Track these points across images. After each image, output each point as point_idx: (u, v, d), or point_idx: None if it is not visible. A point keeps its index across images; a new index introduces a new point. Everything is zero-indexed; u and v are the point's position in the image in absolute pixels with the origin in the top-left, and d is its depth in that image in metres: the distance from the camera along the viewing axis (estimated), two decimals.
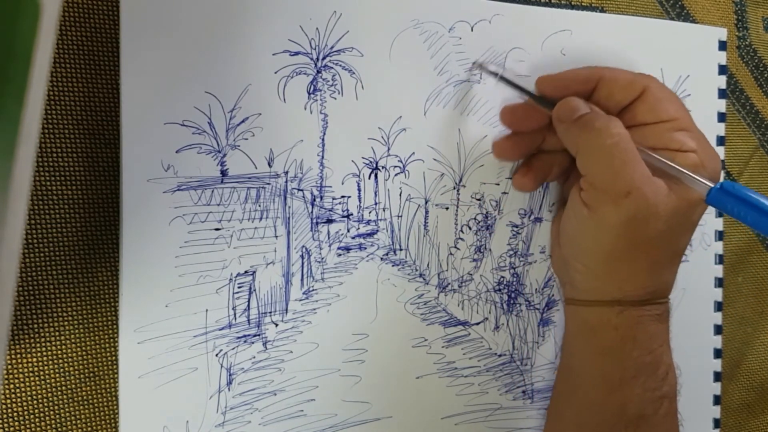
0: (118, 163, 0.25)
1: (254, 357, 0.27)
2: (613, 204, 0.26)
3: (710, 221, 0.37)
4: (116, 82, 0.26)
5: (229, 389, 0.27)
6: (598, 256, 0.27)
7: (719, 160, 0.29)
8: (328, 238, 0.29)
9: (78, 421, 0.26)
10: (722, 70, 0.37)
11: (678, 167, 0.27)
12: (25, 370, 0.25)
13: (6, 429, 0.25)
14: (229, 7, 0.26)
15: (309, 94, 0.28)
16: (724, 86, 0.37)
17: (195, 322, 0.26)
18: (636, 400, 0.27)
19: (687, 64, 0.36)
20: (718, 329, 0.37)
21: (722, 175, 0.31)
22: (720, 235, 0.37)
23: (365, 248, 0.29)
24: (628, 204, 0.25)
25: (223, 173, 0.27)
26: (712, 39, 0.36)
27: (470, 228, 0.32)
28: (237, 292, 0.27)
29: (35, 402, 0.25)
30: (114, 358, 0.26)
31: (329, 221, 0.29)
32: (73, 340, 0.26)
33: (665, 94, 0.29)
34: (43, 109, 0.20)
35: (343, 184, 0.29)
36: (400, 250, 0.30)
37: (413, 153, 0.30)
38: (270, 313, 0.28)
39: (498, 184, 0.32)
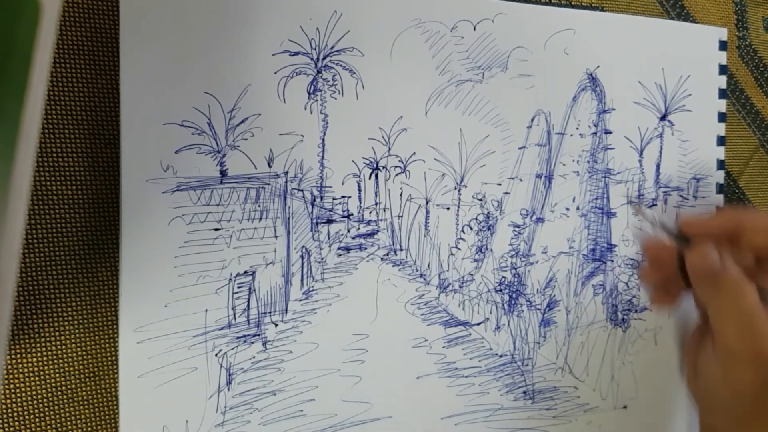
0: (118, 163, 0.25)
1: (254, 357, 0.27)
2: (743, 369, 0.26)
3: None
4: (116, 82, 0.26)
5: (228, 389, 0.27)
6: (735, 413, 0.28)
7: None
8: (328, 238, 0.29)
9: (78, 421, 0.26)
10: (723, 70, 0.37)
11: None
12: (25, 370, 0.25)
13: (6, 429, 0.25)
14: (229, 7, 0.26)
15: (309, 94, 0.28)
16: (724, 86, 0.37)
17: (194, 322, 0.26)
18: None
19: (688, 64, 0.36)
20: None
21: None
22: None
23: (365, 248, 0.29)
24: (757, 370, 0.26)
25: (223, 173, 0.27)
26: (712, 39, 0.36)
27: (471, 228, 0.31)
28: (237, 292, 0.27)
29: (35, 402, 0.25)
30: (114, 357, 0.26)
31: (329, 221, 0.29)
32: (73, 340, 0.26)
33: None
34: (43, 109, 0.20)
35: (343, 184, 0.29)
36: (401, 250, 0.30)
37: (414, 153, 0.30)
38: (270, 313, 0.28)
39: (499, 184, 0.32)
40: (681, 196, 0.36)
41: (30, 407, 0.25)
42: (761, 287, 0.27)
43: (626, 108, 0.34)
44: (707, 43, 0.36)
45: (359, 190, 0.29)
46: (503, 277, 0.32)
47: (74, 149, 0.26)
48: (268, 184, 0.27)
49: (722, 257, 0.28)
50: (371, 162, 0.29)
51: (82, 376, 0.26)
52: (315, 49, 0.28)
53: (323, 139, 0.28)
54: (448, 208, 0.31)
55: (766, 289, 0.27)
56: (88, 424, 0.26)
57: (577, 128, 0.33)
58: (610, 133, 0.34)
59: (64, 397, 0.26)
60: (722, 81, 0.37)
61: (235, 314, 0.27)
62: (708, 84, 0.36)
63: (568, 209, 0.34)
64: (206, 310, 0.27)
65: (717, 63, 0.36)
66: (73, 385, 0.26)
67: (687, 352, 0.31)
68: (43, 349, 0.25)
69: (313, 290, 0.28)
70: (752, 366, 0.26)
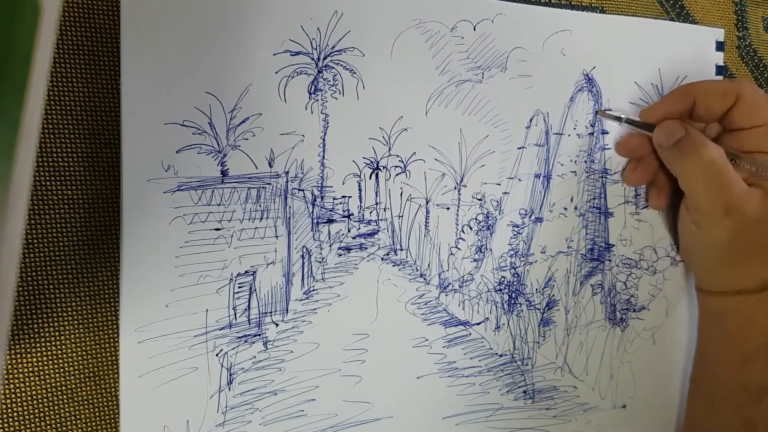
0: (118, 163, 0.25)
1: (255, 357, 0.27)
2: (716, 224, 0.28)
3: None
4: (116, 82, 0.26)
5: (229, 389, 0.27)
6: (713, 263, 0.30)
7: None
8: (329, 238, 0.29)
9: (78, 421, 0.26)
10: (719, 70, 0.37)
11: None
12: (25, 370, 0.25)
13: (6, 429, 0.25)
14: (230, 7, 0.26)
15: (310, 94, 0.28)
16: None
17: (195, 321, 0.26)
18: (758, 374, 0.30)
19: (684, 64, 0.36)
20: None
21: None
22: None
23: (366, 248, 0.29)
24: (729, 222, 0.28)
25: (224, 173, 0.27)
26: (709, 40, 0.36)
27: (471, 228, 0.32)
28: (237, 292, 0.27)
29: (35, 402, 0.25)
30: (114, 357, 0.26)
31: (330, 221, 0.29)
32: (73, 340, 0.26)
33: (759, 99, 0.30)
34: (43, 109, 0.20)
35: (343, 184, 0.29)
36: (401, 250, 0.30)
37: (414, 153, 0.30)
38: (270, 313, 0.28)
39: (499, 184, 0.32)
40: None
41: (30, 407, 0.25)
42: (730, 151, 0.29)
43: (622, 108, 0.34)
44: (704, 44, 0.36)
45: (360, 190, 0.29)
46: (503, 276, 0.32)
47: (74, 149, 0.26)
48: (269, 183, 0.27)
49: (685, 128, 0.30)
50: (372, 162, 0.29)
51: (82, 376, 0.26)
52: (316, 48, 0.28)
53: (324, 139, 0.28)
54: (448, 208, 0.31)
55: (737, 151, 0.29)
56: (88, 424, 0.26)
57: (574, 128, 0.33)
58: (607, 133, 0.34)
59: (64, 397, 0.26)
60: None
61: (235, 314, 0.27)
62: None
63: (566, 209, 0.34)
64: (207, 310, 0.27)
65: (714, 64, 0.37)
66: (73, 385, 0.26)
67: (679, 217, 0.33)
68: (43, 349, 0.25)
69: (313, 290, 0.28)
70: (721, 217, 0.28)
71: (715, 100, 0.30)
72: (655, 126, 0.31)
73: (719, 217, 0.28)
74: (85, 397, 0.26)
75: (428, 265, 0.31)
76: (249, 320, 0.27)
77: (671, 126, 0.30)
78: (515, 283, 0.33)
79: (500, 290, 0.32)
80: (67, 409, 0.26)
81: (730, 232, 0.28)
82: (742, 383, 0.30)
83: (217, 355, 0.27)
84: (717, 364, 0.31)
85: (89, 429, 0.26)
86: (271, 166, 0.27)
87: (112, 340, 0.26)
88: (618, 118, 0.33)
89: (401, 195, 0.30)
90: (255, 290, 0.27)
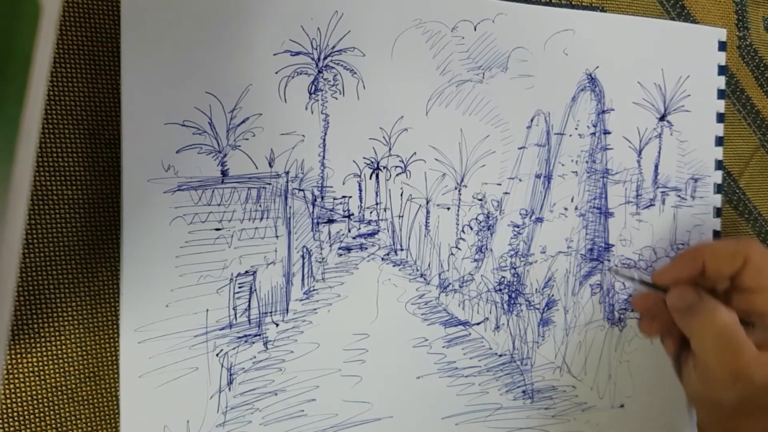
0: (118, 163, 0.25)
1: (255, 357, 0.27)
2: (724, 389, 0.28)
3: (708, 221, 0.37)
4: (116, 82, 0.25)
5: (229, 389, 0.27)
6: (715, 421, 0.30)
7: None
8: (329, 238, 0.29)
9: (78, 421, 0.26)
10: (722, 70, 0.37)
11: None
12: (25, 370, 0.25)
13: (6, 429, 0.25)
14: (230, 7, 0.26)
15: (310, 94, 0.28)
16: (723, 87, 0.37)
17: (195, 321, 0.26)
18: None
19: (687, 64, 0.36)
20: None
21: None
22: (718, 234, 0.37)
23: (366, 248, 0.29)
24: (738, 389, 0.28)
25: (224, 173, 0.27)
26: (711, 39, 0.36)
27: (471, 228, 0.32)
28: (237, 292, 0.27)
29: (35, 402, 0.25)
30: (114, 357, 0.26)
31: (330, 221, 0.29)
32: (73, 340, 0.26)
33: (767, 262, 0.30)
34: (43, 109, 0.20)
35: (344, 184, 0.29)
36: (401, 250, 0.30)
37: (415, 153, 0.30)
38: (271, 313, 0.28)
39: (499, 184, 0.32)
40: (679, 196, 0.36)
41: (30, 407, 0.25)
42: (741, 311, 0.29)
43: (625, 108, 0.34)
44: (706, 44, 0.36)
45: (360, 190, 0.29)
46: (503, 276, 0.32)
47: (74, 149, 0.26)
48: (269, 183, 0.27)
49: (698, 293, 0.30)
50: (372, 162, 0.29)
51: (82, 376, 0.26)
52: (316, 49, 0.28)
53: (324, 139, 0.28)
54: (448, 208, 0.31)
55: (748, 312, 0.29)
56: (88, 424, 0.26)
57: (576, 128, 0.33)
58: (609, 133, 0.34)
59: (64, 397, 0.26)
60: (721, 81, 0.37)
61: (236, 314, 0.27)
62: (707, 84, 0.37)
63: (566, 209, 0.34)
64: (207, 310, 0.27)
65: (716, 63, 0.37)
66: (73, 385, 0.26)
67: (677, 367, 0.33)
68: (43, 349, 0.25)
69: (313, 290, 0.28)
70: (729, 385, 0.28)
71: (723, 263, 0.30)
72: (668, 287, 0.31)
73: (727, 382, 0.28)
74: (85, 397, 0.26)
75: (428, 265, 0.31)
76: (249, 320, 0.27)
77: (684, 291, 0.30)
78: (515, 283, 0.33)
79: (500, 290, 0.32)
80: (67, 409, 0.26)
81: (737, 398, 0.28)
82: None
83: (217, 355, 0.27)
84: None
85: (89, 429, 0.26)
86: (271, 166, 0.27)
87: (112, 340, 0.26)
88: (630, 278, 0.34)
89: (401, 195, 0.30)
90: (255, 290, 0.27)
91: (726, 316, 0.28)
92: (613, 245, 0.35)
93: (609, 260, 0.35)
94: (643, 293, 0.33)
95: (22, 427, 0.25)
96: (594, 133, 0.34)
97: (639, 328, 0.33)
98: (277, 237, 0.28)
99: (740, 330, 0.28)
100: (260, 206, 0.27)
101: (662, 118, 0.36)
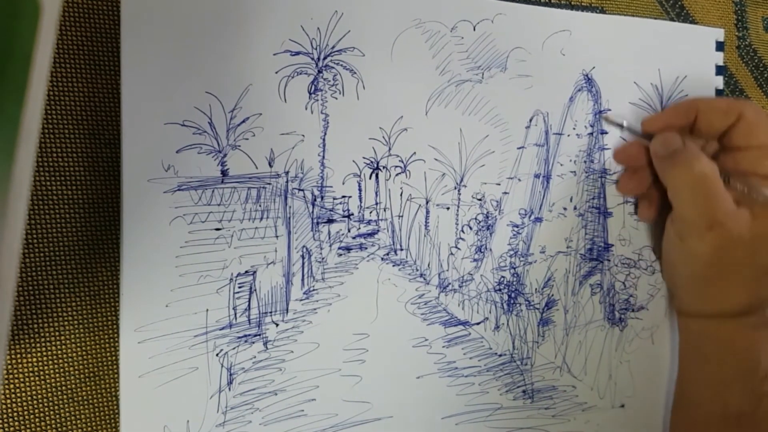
0: (118, 163, 0.25)
1: (255, 357, 0.27)
2: (698, 237, 0.28)
3: None
4: (116, 82, 0.25)
5: (229, 389, 0.27)
6: (693, 280, 0.30)
7: None
8: (329, 238, 0.29)
9: (78, 421, 0.26)
10: (719, 70, 0.37)
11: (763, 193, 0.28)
12: (25, 370, 0.25)
13: (6, 429, 0.25)
14: (230, 7, 0.26)
15: (310, 94, 0.28)
16: (721, 87, 0.37)
17: (195, 321, 0.26)
18: (736, 400, 0.29)
19: (684, 64, 0.36)
20: None
21: None
22: None
23: (366, 248, 0.29)
24: (711, 237, 0.28)
25: (224, 173, 0.27)
26: (709, 40, 0.36)
27: (471, 228, 0.32)
28: (237, 292, 0.27)
29: (35, 402, 0.25)
30: (114, 357, 0.26)
31: (330, 221, 0.29)
32: (73, 340, 0.26)
33: (761, 121, 0.30)
34: (43, 109, 0.20)
35: (343, 184, 0.29)
36: (401, 250, 0.30)
37: (414, 153, 0.30)
38: (270, 312, 0.28)
39: (499, 184, 0.32)
40: None
41: (30, 407, 0.25)
42: (724, 170, 0.29)
43: (622, 108, 0.35)
44: (704, 44, 0.36)
45: (360, 190, 0.29)
46: (502, 276, 0.32)
47: (74, 149, 0.26)
48: (269, 183, 0.27)
49: (683, 140, 0.29)
50: (372, 162, 0.29)
51: (82, 376, 0.26)
52: (316, 48, 0.28)
53: (324, 139, 0.28)
54: (447, 208, 0.31)
55: (730, 172, 0.29)
56: (88, 424, 0.26)
57: (573, 128, 0.34)
58: (606, 133, 0.34)
59: (64, 397, 0.26)
60: (719, 81, 0.37)
61: (236, 314, 0.27)
62: (705, 85, 0.37)
63: (565, 209, 0.34)
64: (207, 310, 0.27)
65: (714, 63, 0.37)
66: (73, 385, 0.26)
67: (663, 244, 0.33)
68: (43, 349, 0.25)
69: (313, 290, 0.28)
70: (705, 231, 0.28)
71: (717, 116, 0.30)
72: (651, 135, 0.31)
73: (702, 229, 0.28)
74: (85, 397, 0.26)
75: (428, 265, 0.31)
76: (249, 320, 0.27)
77: (669, 136, 0.30)
78: (515, 283, 0.33)
79: (500, 290, 0.32)
80: (67, 409, 0.26)
81: (711, 247, 0.28)
82: (721, 408, 0.30)
83: (217, 355, 0.27)
84: (696, 388, 0.31)
85: (89, 429, 0.26)
86: (271, 166, 0.27)
87: (112, 340, 0.26)
88: (619, 125, 0.32)
89: (401, 195, 0.30)
90: (255, 290, 0.27)
91: (706, 166, 0.28)
92: (613, 245, 0.35)
93: (609, 260, 0.35)
94: (625, 145, 0.32)
95: (22, 427, 0.25)
96: (591, 133, 0.34)
97: (616, 186, 0.32)
98: (277, 237, 0.28)
99: (719, 181, 0.28)
100: (260, 206, 0.27)
101: None
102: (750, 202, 0.28)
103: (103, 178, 0.26)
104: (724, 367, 0.30)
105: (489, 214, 0.32)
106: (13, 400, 0.25)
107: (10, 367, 0.25)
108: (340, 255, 0.29)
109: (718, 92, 0.37)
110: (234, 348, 0.27)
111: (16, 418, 0.25)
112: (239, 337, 0.27)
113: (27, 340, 0.25)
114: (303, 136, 0.28)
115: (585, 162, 0.34)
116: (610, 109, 0.34)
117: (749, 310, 0.29)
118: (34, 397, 0.25)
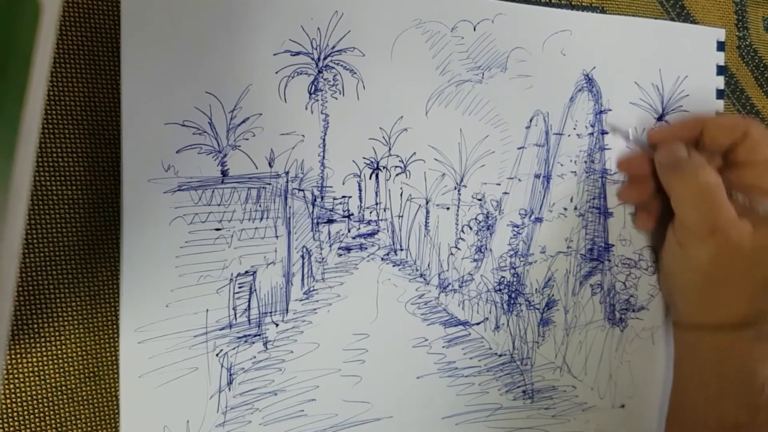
0: (118, 163, 0.25)
1: (255, 357, 0.27)
2: (699, 242, 0.28)
3: None
4: (116, 82, 0.25)
5: (229, 389, 0.27)
6: (691, 289, 0.30)
7: None
8: (329, 238, 0.29)
9: (78, 421, 0.26)
10: (720, 70, 0.37)
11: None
12: (25, 370, 0.25)
13: (6, 429, 0.25)
14: (230, 7, 0.26)
15: (310, 94, 0.28)
16: (722, 87, 0.37)
17: (195, 321, 0.26)
18: (732, 412, 0.29)
19: (685, 64, 0.36)
20: None
21: None
22: None
23: (366, 248, 0.29)
24: (712, 243, 0.28)
25: (224, 173, 0.27)
26: (710, 40, 0.36)
27: (471, 228, 0.32)
28: (237, 292, 0.27)
29: (35, 402, 0.25)
30: (114, 357, 0.26)
31: (330, 221, 0.29)
32: (73, 340, 0.26)
33: (766, 138, 0.30)
34: (43, 109, 0.20)
35: (344, 184, 0.29)
36: (401, 250, 0.30)
37: (414, 153, 0.30)
38: (270, 313, 0.28)
39: (499, 184, 0.32)
40: None
41: (30, 407, 0.25)
42: (727, 184, 0.29)
43: (623, 109, 0.35)
44: (705, 44, 0.36)
45: (360, 190, 0.29)
46: (502, 276, 0.32)
47: (74, 149, 0.26)
48: (269, 184, 0.27)
49: (688, 152, 0.30)
50: (372, 162, 0.29)
51: (82, 376, 0.26)
52: (316, 49, 0.28)
53: (324, 139, 0.28)
54: (447, 208, 0.31)
55: (735, 187, 0.29)
56: (88, 424, 0.26)
57: (574, 128, 0.34)
58: (607, 133, 0.34)
59: (64, 397, 0.26)
60: (720, 82, 0.37)
61: (236, 314, 0.27)
62: (705, 85, 0.37)
63: (566, 209, 0.34)
64: (207, 310, 0.27)
65: (715, 63, 0.37)
66: (73, 385, 0.26)
67: (661, 255, 0.33)
68: (43, 349, 0.25)
69: (313, 290, 0.28)
70: (707, 236, 0.28)
71: (722, 132, 0.30)
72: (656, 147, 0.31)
73: (704, 235, 0.28)
74: (85, 397, 0.26)
75: (428, 265, 0.31)
76: (249, 320, 0.27)
77: (674, 147, 0.30)
78: (515, 283, 0.33)
79: (500, 290, 0.32)
80: (67, 409, 0.26)
81: (711, 253, 0.28)
82: (717, 420, 0.30)
83: (217, 355, 0.27)
84: (692, 400, 0.31)
85: (89, 429, 0.26)
86: (271, 166, 0.27)
87: (112, 340, 0.26)
88: (625, 135, 0.33)
89: (401, 195, 0.30)
90: (255, 290, 0.27)
91: (711, 175, 0.28)
92: (613, 245, 0.35)
93: (609, 260, 0.35)
94: (629, 155, 0.32)
95: (22, 427, 0.25)
96: (592, 134, 0.34)
97: (618, 195, 0.32)
98: (277, 237, 0.28)
99: (723, 191, 0.28)
100: (260, 206, 0.27)
101: (660, 118, 0.36)
102: (752, 215, 0.28)
103: (103, 178, 0.26)
104: (720, 380, 0.30)
105: (489, 214, 0.32)
106: (13, 400, 0.25)
107: (10, 367, 0.25)
108: (340, 255, 0.29)
109: (719, 92, 0.37)
110: (234, 348, 0.27)
111: (16, 418, 0.25)
112: (239, 337, 0.27)
113: (27, 340, 0.25)
114: (303, 136, 0.28)
115: (585, 162, 0.34)
116: (610, 109, 0.34)
117: (746, 322, 0.29)
118: (34, 397, 0.25)
